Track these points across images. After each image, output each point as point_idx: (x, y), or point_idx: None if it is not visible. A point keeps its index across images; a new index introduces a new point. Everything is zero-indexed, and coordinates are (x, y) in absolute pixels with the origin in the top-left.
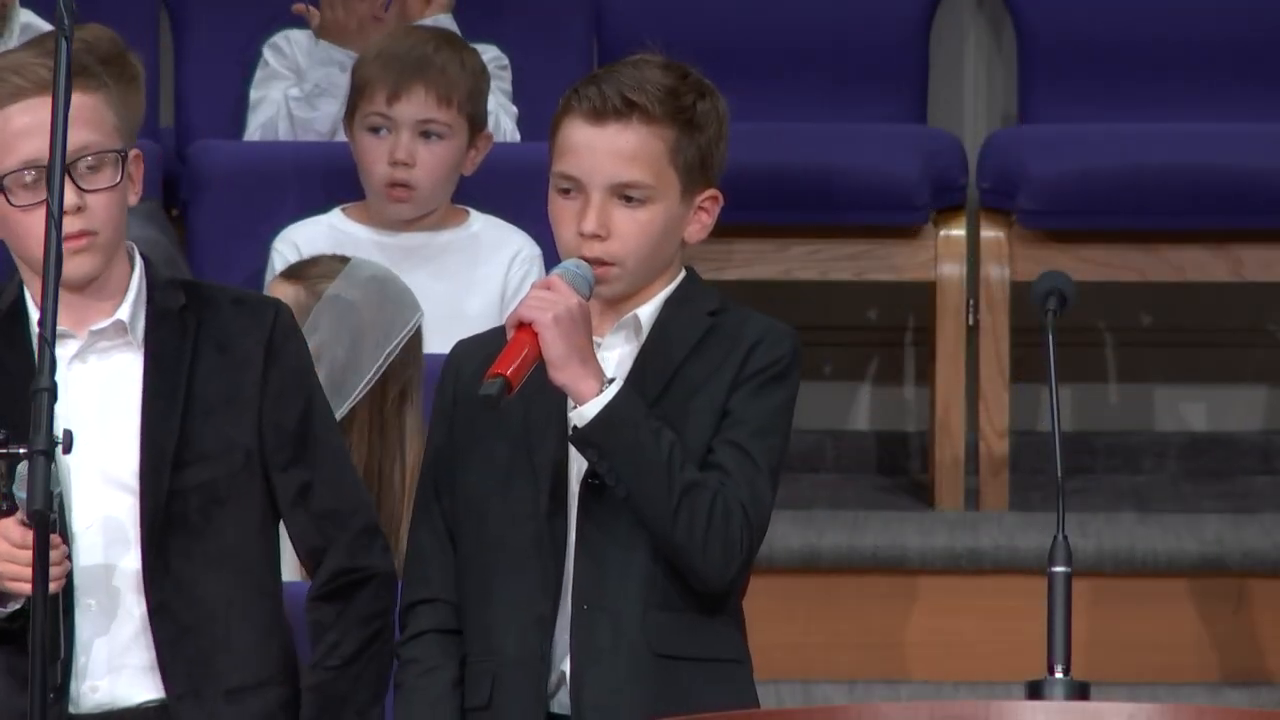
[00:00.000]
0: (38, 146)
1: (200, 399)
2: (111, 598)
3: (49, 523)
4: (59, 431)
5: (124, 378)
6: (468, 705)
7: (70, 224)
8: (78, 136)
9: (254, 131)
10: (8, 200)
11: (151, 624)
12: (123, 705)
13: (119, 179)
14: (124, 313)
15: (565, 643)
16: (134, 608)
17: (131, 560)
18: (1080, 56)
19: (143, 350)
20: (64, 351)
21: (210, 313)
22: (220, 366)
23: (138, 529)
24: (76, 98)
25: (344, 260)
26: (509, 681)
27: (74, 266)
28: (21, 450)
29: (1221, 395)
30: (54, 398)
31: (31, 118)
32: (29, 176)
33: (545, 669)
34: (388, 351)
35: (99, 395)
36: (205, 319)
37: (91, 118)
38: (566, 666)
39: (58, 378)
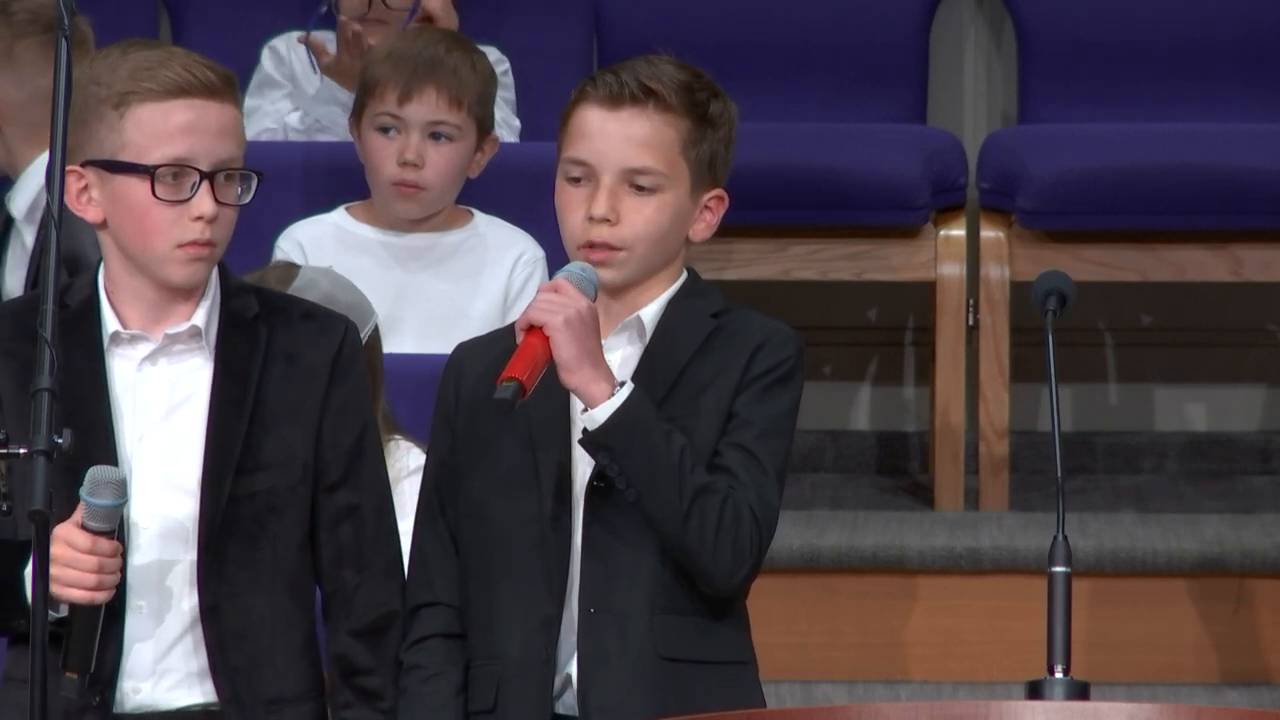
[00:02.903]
0: (189, 147)
1: (267, 409)
2: (163, 600)
3: (48, 524)
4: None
5: (193, 382)
6: (472, 709)
7: (201, 232)
8: (226, 148)
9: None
10: (152, 190)
11: (204, 627)
12: (164, 708)
13: (248, 198)
14: (200, 318)
15: (570, 646)
16: (184, 611)
17: (187, 563)
18: (1080, 56)
19: (213, 356)
20: (136, 352)
21: (281, 323)
22: (287, 378)
23: (196, 532)
24: (230, 110)
25: (294, 271)
26: (513, 685)
27: (188, 274)
28: (21, 450)
29: (1221, 395)
30: (54, 398)
31: (194, 117)
32: (170, 175)
33: (550, 672)
34: None
35: (168, 398)
36: (276, 329)
37: (236, 131)
38: (571, 669)
39: (127, 378)
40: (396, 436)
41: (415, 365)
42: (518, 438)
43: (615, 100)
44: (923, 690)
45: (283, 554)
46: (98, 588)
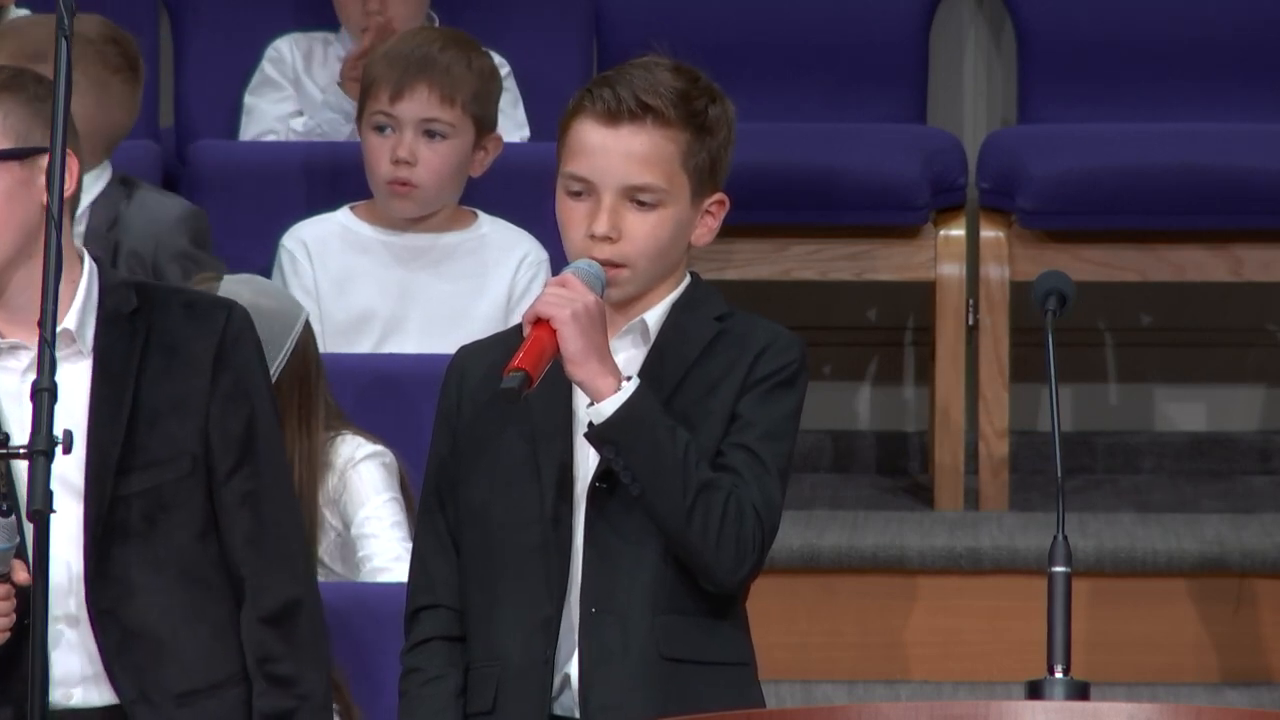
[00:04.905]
0: None
1: (147, 405)
2: (77, 606)
3: (49, 522)
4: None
5: (75, 386)
6: (471, 710)
7: None
8: None
9: (248, 139)
10: None
11: (94, 630)
12: (86, 707)
13: None
14: (70, 321)
15: (570, 646)
16: (83, 614)
17: (78, 567)
18: (1080, 56)
19: (92, 356)
20: (19, 363)
21: (161, 316)
22: (169, 371)
23: (82, 536)
24: None
25: (215, 284)
26: (513, 686)
27: None
28: (22, 450)
29: (1221, 395)
30: (54, 398)
31: None
32: None
33: (549, 673)
34: None
35: None
36: (155, 323)
37: None
38: (571, 670)
39: (12, 390)
40: (345, 431)
41: (418, 366)
42: (519, 436)
43: (613, 117)
44: (923, 690)
45: (180, 548)
46: None
